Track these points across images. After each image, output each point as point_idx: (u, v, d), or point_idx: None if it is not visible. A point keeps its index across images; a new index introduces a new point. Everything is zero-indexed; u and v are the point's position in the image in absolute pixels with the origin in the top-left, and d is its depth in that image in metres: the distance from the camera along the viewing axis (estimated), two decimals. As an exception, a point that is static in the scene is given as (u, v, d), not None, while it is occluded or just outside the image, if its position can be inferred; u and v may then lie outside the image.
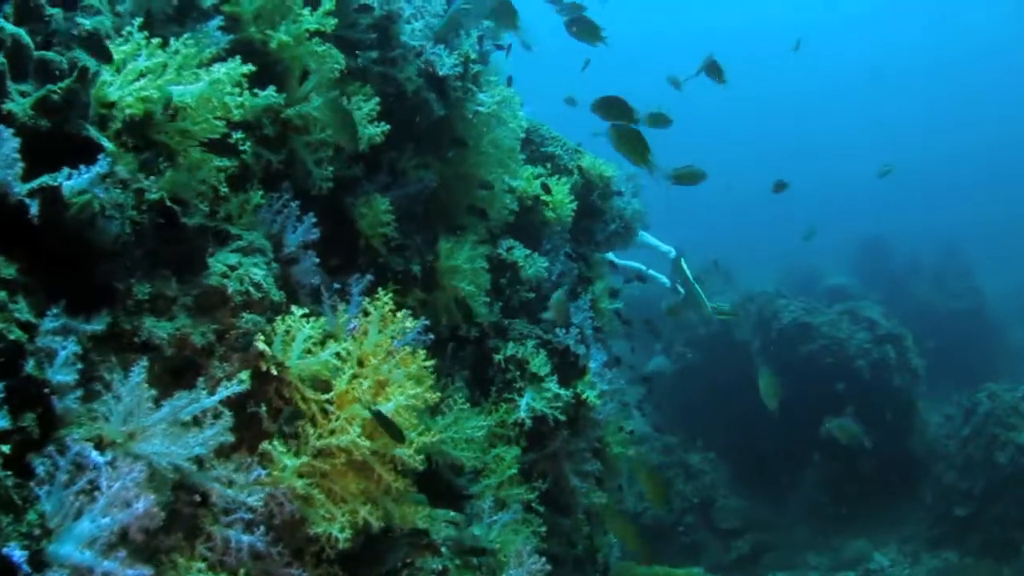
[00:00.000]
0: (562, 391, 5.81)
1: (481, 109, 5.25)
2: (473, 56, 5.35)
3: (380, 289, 3.99)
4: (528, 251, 6.59)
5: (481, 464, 5.10)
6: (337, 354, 3.68)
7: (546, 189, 6.80)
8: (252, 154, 4.09)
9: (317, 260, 4.20)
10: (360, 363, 3.85)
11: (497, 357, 5.86)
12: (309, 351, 3.65)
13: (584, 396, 6.04)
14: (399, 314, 3.91)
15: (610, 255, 8.44)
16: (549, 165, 7.40)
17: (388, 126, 4.54)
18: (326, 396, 3.69)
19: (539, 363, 5.85)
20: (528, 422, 5.58)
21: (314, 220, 4.16)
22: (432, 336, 4.36)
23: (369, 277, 4.32)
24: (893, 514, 14.93)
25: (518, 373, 5.88)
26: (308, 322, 3.58)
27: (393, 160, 5.13)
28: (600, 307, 7.72)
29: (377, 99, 4.58)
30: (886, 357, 15.16)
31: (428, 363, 3.84)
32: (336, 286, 4.29)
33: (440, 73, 5.06)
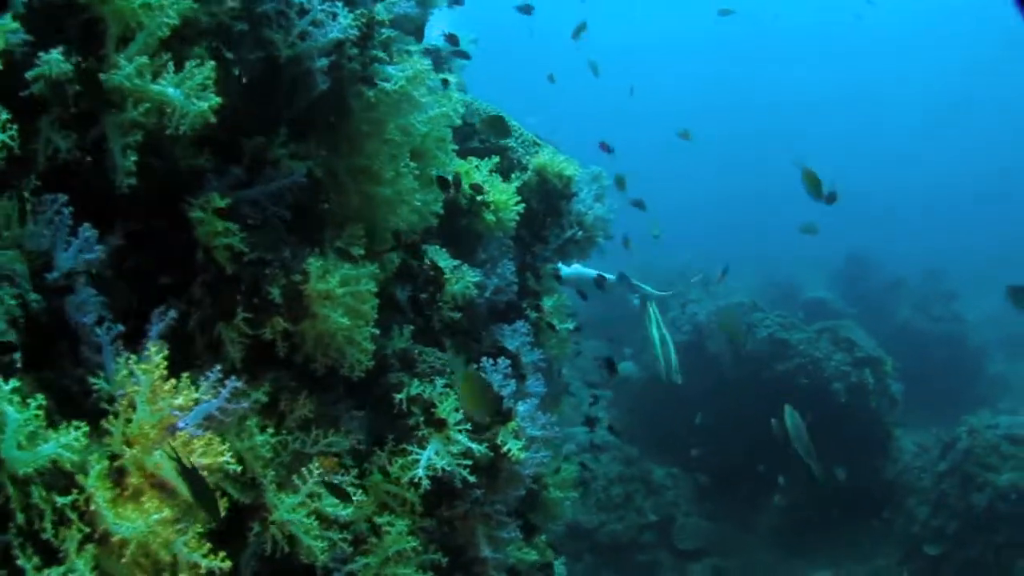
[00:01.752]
0: (475, 445, 4.42)
1: (387, 86, 3.82)
2: (383, 17, 3.92)
3: (152, 346, 2.61)
4: (456, 262, 5.19)
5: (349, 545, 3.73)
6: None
7: (476, 189, 5.37)
8: (43, 139, 2.77)
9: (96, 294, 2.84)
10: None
11: (398, 397, 4.47)
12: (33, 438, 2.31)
13: (505, 448, 4.64)
14: (181, 381, 2.54)
15: (559, 266, 7.03)
16: (499, 159, 5.96)
17: (217, 100, 3.14)
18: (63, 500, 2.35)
19: (449, 406, 4.47)
20: (426, 483, 4.20)
21: (91, 233, 2.81)
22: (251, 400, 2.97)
23: (173, 314, 2.98)
24: (862, 545, 13.65)
25: (422, 418, 4.49)
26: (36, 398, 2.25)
27: (258, 148, 3.71)
28: (546, 328, 6.31)
29: (212, 64, 3.17)
30: (864, 381, 13.82)
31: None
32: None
33: (328, 37, 3.63)
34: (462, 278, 5.15)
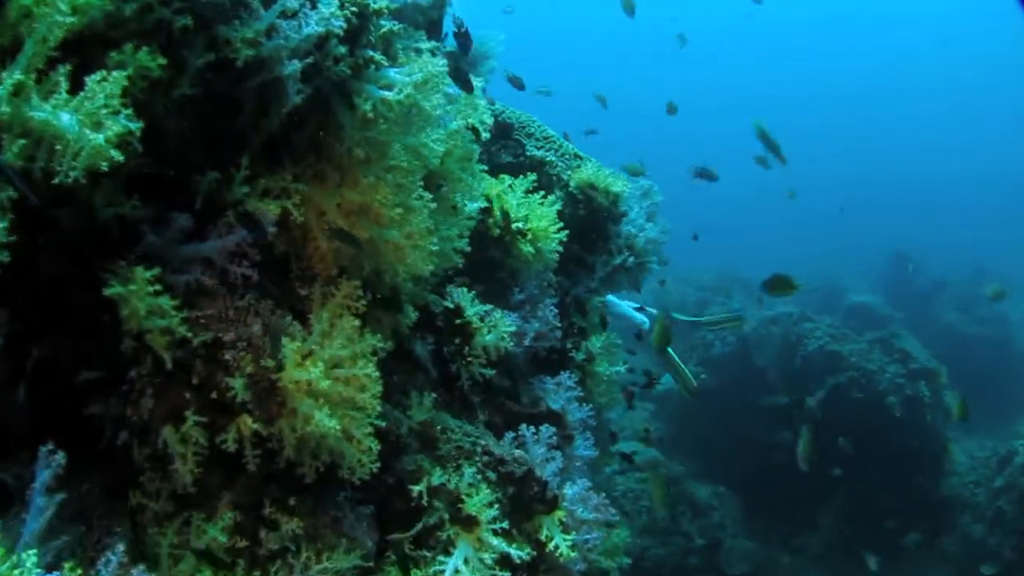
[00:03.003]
0: (513, 549, 3.34)
1: (388, 95, 2.71)
2: (381, 5, 2.82)
3: None
4: (487, 306, 4.09)
5: None
6: None
7: (506, 219, 4.27)
8: None
9: None
10: None
11: (416, 488, 3.38)
12: None
13: (551, 545, 3.57)
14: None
15: (610, 297, 5.89)
16: (536, 175, 4.84)
17: (128, 125, 2.07)
18: None
19: (480, 501, 3.39)
20: (454, 602, 3.15)
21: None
22: None
23: (61, 459, 1.92)
24: (916, 564, 12.45)
25: (447, 515, 3.40)
26: None
27: (212, 187, 2.63)
28: (595, 373, 5.18)
29: (121, 77, 2.12)
30: (919, 394, 12.59)
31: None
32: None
33: (304, 32, 2.54)
34: (495, 326, 4.04)
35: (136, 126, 2.23)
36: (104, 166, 2.13)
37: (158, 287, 2.38)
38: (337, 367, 2.71)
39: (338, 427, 2.56)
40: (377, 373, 2.74)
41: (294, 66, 2.56)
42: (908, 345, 13.15)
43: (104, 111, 2.12)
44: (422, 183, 3.03)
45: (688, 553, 11.93)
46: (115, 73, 2.16)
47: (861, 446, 12.29)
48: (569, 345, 5.07)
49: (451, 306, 4.04)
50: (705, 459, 13.29)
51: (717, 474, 12.98)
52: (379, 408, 2.73)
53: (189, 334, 2.47)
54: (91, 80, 2.16)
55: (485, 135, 3.78)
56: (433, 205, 3.01)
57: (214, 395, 2.57)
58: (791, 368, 12.77)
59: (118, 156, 2.11)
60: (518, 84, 6.32)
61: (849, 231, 30.44)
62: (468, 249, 3.71)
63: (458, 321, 4.02)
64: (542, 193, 4.64)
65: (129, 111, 2.22)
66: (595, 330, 5.29)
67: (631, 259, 5.43)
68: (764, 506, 12.85)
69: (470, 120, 3.74)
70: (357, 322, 2.80)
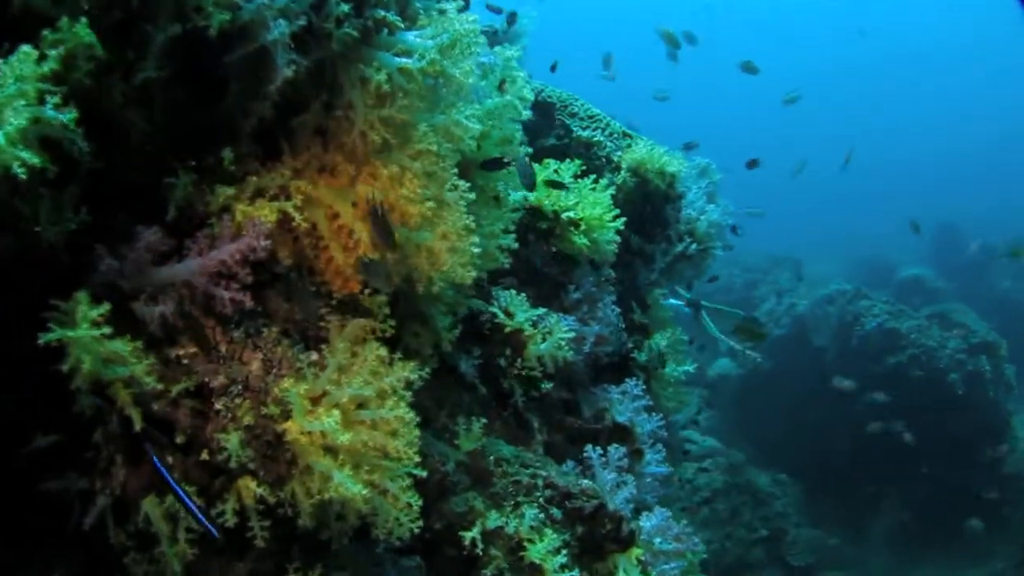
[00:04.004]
0: (589, 606, 2.71)
1: (407, 63, 2.05)
2: (396, -55, 2.18)
3: None
4: (540, 310, 3.44)
5: None
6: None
7: (555, 209, 3.62)
8: None
9: None
10: None
11: (469, 535, 2.75)
12: None
13: (631, 589, 2.94)
14: None
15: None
16: (584, 158, 4.17)
17: (71, 114, 1.46)
18: None
19: (544, 547, 2.76)
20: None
21: None
22: None
23: None
24: (979, 545, 11.64)
25: (506, 564, 2.76)
26: None
27: (188, 192, 2.01)
28: (661, 374, 4.51)
29: (28, 51, 1.49)
30: (980, 369, 11.74)
31: None
32: None
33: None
34: (550, 333, 3.39)
35: (69, 116, 1.61)
36: (19, 172, 1.50)
37: (107, 330, 1.74)
38: (361, 408, 2.07)
39: (364, 491, 1.91)
40: (411, 414, 2.08)
41: (281, 29, 1.92)
42: (966, 319, 12.30)
43: (20, 102, 1.49)
44: (456, 171, 2.36)
45: (751, 545, 11.21)
46: (23, 48, 1.54)
47: (923, 425, 11.52)
48: (631, 345, 4.41)
49: (499, 312, 3.39)
50: (763, 445, 12.57)
51: (777, 460, 12.25)
52: (416, 456, 2.08)
53: (159, 385, 1.84)
54: (3, 64, 1.54)
55: (526, 113, 3.12)
56: (471, 196, 2.35)
57: (204, 455, 1.93)
58: (849, 348, 11.96)
59: (30, 158, 1.48)
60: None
61: (890, 204, 29.38)
62: (515, 246, 3.05)
63: (507, 329, 3.38)
64: (592, 177, 3.97)
65: (56, 99, 1.60)
66: (659, 327, 4.61)
67: (693, 246, 4.74)
68: (826, 491, 12.10)
69: (508, 97, 3.08)
70: (384, 350, 2.15)
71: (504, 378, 3.42)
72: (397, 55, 2.14)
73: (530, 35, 6.00)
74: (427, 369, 2.33)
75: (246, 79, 2.09)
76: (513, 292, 3.44)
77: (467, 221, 2.31)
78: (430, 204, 2.17)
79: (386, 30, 2.15)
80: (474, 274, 2.31)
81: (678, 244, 4.70)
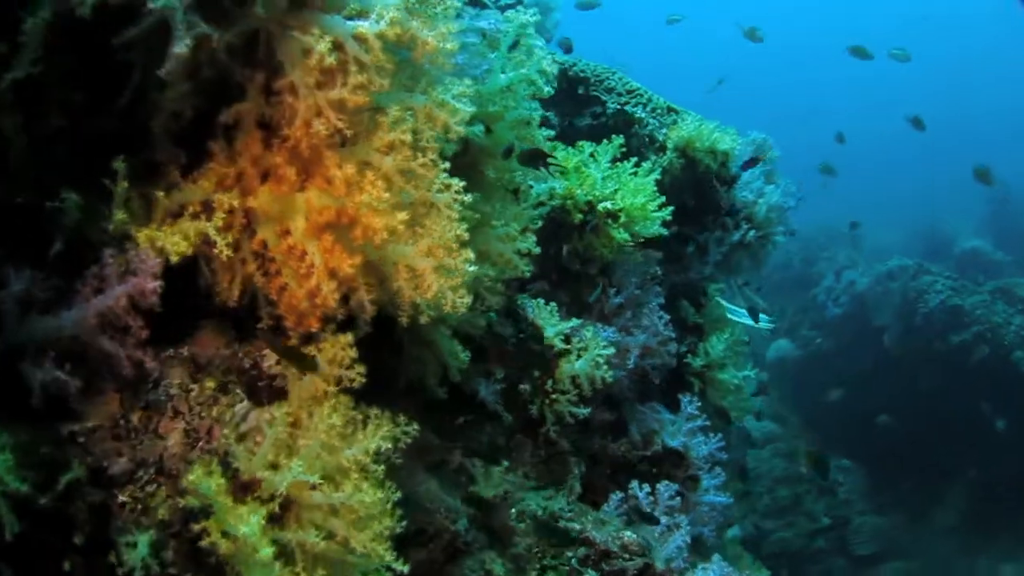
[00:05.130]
0: None
1: (362, 26, 1.44)
2: None
3: None
4: (573, 321, 2.82)
5: None
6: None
7: (590, 199, 3.00)
8: None
9: None
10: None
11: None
12: None
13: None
14: None
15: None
16: (623, 138, 3.50)
17: None
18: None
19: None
20: None
21: None
22: None
23: None
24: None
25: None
26: None
27: (75, 217, 1.43)
28: (719, 381, 3.86)
29: None
30: (1049, 346, 10.83)
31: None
32: None
33: None
34: (585, 349, 2.77)
35: None
36: None
37: None
38: (316, 489, 1.48)
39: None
40: (381, 495, 1.49)
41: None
42: (1031, 292, 11.38)
43: None
44: (447, 164, 1.74)
45: (814, 534, 10.52)
46: None
47: (990, 405, 10.71)
48: (683, 349, 3.78)
49: (525, 326, 2.78)
50: (825, 430, 11.79)
51: (839, 446, 11.47)
52: (389, 555, 1.48)
53: (24, 488, 1.27)
54: None
55: (547, 89, 2.49)
56: (467, 198, 1.73)
57: (112, 558, 1.37)
58: (912, 327, 11.12)
59: None
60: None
61: (943, 170, 28.06)
62: (537, 250, 2.43)
63: (535, 346, 2.77)
64: (633, 160, 3.33)
65: None
66: (715, 327, 3.96)
67: (751, 233, 4.07)
68: (891, 476, 11.31)
69: (524, 71, 2.45)
70: (346, 409, 1.56)
71: (533, 403, 2.81)
72: (349, 17, 1.52)
73: (562, 8, 5.37)
74: (414, 426, 1.73)
75: (147, 66, 1.50)
76: (541, 302, 2.83)
77: (459, 231, 1.70)
78: (402, 216, 1.55)
79: (335, -19, 1.54)
80: (469, 300, 1.69)
81: (734, 232, 4.04)
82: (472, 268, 1.71)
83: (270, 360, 1.78)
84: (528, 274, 2.43)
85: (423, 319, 1.79)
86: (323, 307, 1.60)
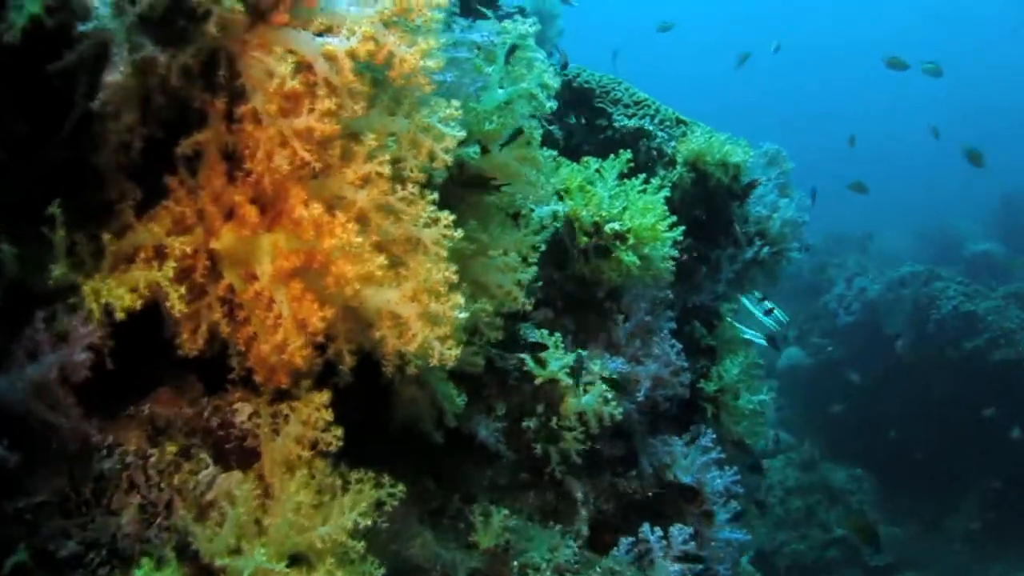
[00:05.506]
0: None
1: (333, 44, 1.23)
2: None
3: None
4: (579, 352, 2.61)
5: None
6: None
7: (597, 220, 2.79)
8: None
9: None
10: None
11: None
12: None
13: None
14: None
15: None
16: (631, 152, 3.28)
17: None
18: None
19: None
20: None
21: None
22: None
23: None
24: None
25: None
26: None
27: (17, 269, 1.23)
28: (733, 407, 3.64)
29: None
30: (1063, 352, 10.56)
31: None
32: None
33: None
34: (592, 381, 2.56)
35: None
36: None
37: None
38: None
39: None
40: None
41: (104, 11, 1.11)
42: (1044, 296, 11.12)
43: None
44: (436, 195, 1.54)
45: (827, 545, 10.28)
46: None
47: (1004, 412, 10.45)
48: (697, 371, 3.56)
49: (527, 358, 2.57)
50: (836, 437, 11.55)
51: (851, 454, 11.23)
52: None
53: None
54: None
55: (550, 104, 2.28)
56: (458, 234, 1.52)
57: None
58: (925, 334, 10.86)
59: None
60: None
61: (952, 173, 27.78)
62: (538, 282, 2.22)
63: (539, 380, 2.55)
64: (642, 177, 3.12)
65: None
66: (729, 349, 3.75)
67: (765, 249, 3.85)
68: (904, 484, 11.07)
69: (524, 85, 2.25)
70: (326, 472, 1.34)
71: (537, 442, 2.60)
72: (318, 33, 1.31)
73: (565, 16, 5.17)
74: (400, 487, 1.53)
75: (91, 95, 1.30)
76: (544, 333, 2.62)
77: (447, 272, 1.48)
78: (379, 260, 1.34)
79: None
80: (458, 352, 1.48)
81: (748, 248, 3.82)
82: (463, 315, 1.50)
83: (242, 415, 1.58)
84: (530, 307, 2.22)
85: (410, 369, 1.58)
86: (290, 365, 1.39)
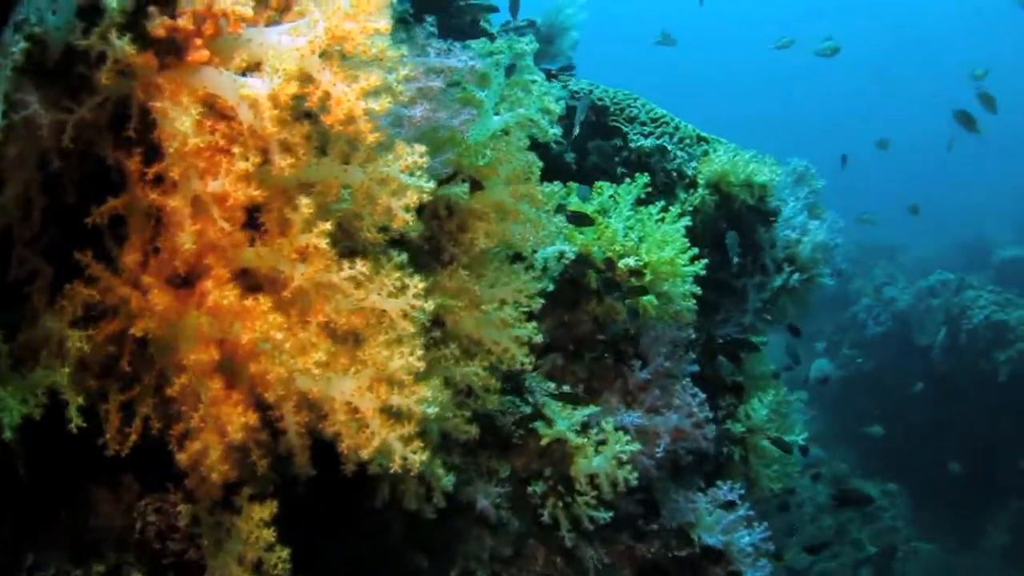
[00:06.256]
0: None
1: (252, 86, 0.92)
2: None
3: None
4: (589, 409, 2.31)
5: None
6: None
7: (610, 258, 2.49)
8: None
9: None
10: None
11: None
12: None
13: None
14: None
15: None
16: (649, 174, 2.96)
17: None
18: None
19: None
20: None
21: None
22: None
23: None
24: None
25: None
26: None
27: None
28: (762, 449, 3.32)
29: None
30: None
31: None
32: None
33: None
34: (604, 442, 2.26)
35: None
36: None
37: None
38: None
39: None
40: None
41: None
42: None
43: None
44: (404, 255, 1.24)
45: (859, 564, 9.88)
46: None
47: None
48: (721, 413, 3.25)
49: (530, 416, 2.27)
50: (866, 451, 11.14)
51: (882, 468, 10.81)
52: None
53: None
54: None
55: (553, 131, 1.99)
56: (428, 307, 1.22)
57: None
58: (956, 345, 10.43)
59: None
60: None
61: (979, 176, 27.23)
62: (538, 337, 1.92)
63: (544, 441, 2.25)
64: (660, 204, 2.81)
65: None
66: (757, 385, 3.43)
67: (795, 276, 3.53)
68: (937, 498, 10.64)
69: (523, 111, 1.95)
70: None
71: (545, 506, 2.30)
72: (241, 72, 1.02)
73: (581, 27, 4.85)
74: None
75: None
76: (551, 387, 2.32)
77: (412, 358, 1.19)
78: (317, 356, 1.04)
79: (224, 23, 1.04)
80: (424, 457, 1.18)
81: (776, 276, 3.50)
82: (431, 410, 1.20)
83: (185, 518, 1.29)
84: (528, 365, 1.91)
85: (373, 468, 1.29)
86: (215, 476, 1.10)
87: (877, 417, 11.00)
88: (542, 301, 1.98)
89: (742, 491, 2.73)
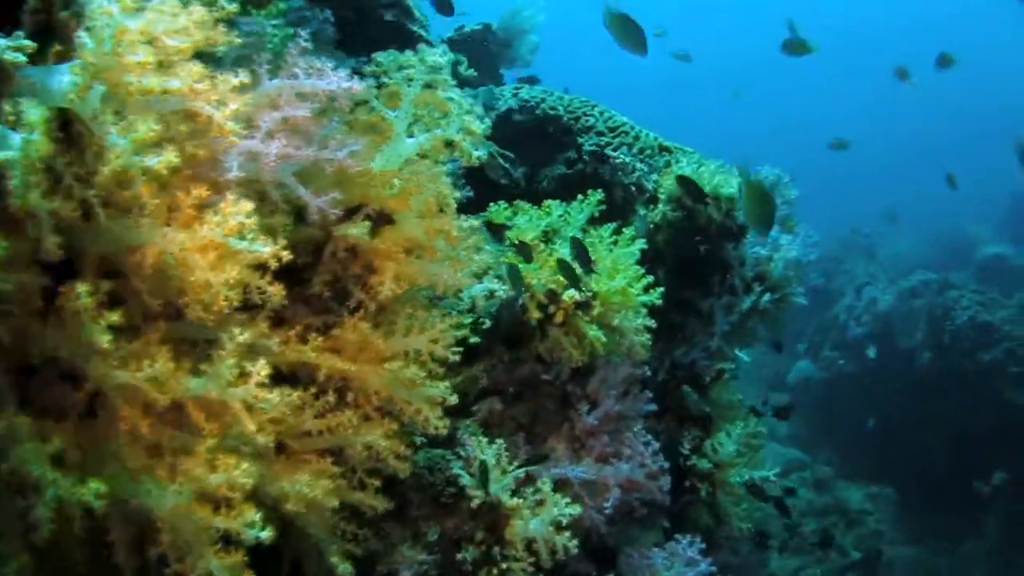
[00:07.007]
0: None
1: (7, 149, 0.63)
2: None
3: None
4: (523, 469, 2.03)
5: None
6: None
7: (551, 291, 2.21)
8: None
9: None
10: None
11: None
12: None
13: None
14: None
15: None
16: (604, 190, 2.68)
17: None
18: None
19: None
20: None
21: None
22: None
23: None
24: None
25: None
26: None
27: None
28: (731, 484, 3.06)
29: None
30: (1086, 363, 9.93)
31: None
32: None
33: None
34: (542, 503, 1.99)
35: None
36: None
37: None
38: None
39: None
40: None
41: None
42: (1062, 303, 10.45)
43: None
44: (243, 335, 0.96)
45: (845, 570, 9.69)
46: None
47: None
48: (687, 447, 2.99)
49: (461, 472, 2.00)
50: (850, 454, 10.96)
51: (866, 470, 10.64)
52: None
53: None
54: None
55: (477, 154, 1.71)
56: (273, 397, 0.95)
57: None
58: (941, 346, 10.23)
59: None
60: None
61: (958, 171, 26.99)
62: (453, 398, 1.65)
63: (475, 503, 1.98)
64: (611, 227, 2.53)
65: None
66: (725, 416, 3.16)
67: (766, 296, 3.27)
68: (921, 500, 10.48)
69: (440, 132, 1.68)
70: None
71: (478, 575, 2.03)
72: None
73: (539, 30, 4.59)
74: None
75: None
76: (483, 441, 2.04)
77: (240, 476, 0.91)
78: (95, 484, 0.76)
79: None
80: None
81: (746, 296, 3.24)
82: (265, 534, 0.93)
83: None
84: (444, 432, 1.64)
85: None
86: None
87: (861, 420, 10.83)
88: (460, 350, 1.71)
89: (702, 546, 2.46)
